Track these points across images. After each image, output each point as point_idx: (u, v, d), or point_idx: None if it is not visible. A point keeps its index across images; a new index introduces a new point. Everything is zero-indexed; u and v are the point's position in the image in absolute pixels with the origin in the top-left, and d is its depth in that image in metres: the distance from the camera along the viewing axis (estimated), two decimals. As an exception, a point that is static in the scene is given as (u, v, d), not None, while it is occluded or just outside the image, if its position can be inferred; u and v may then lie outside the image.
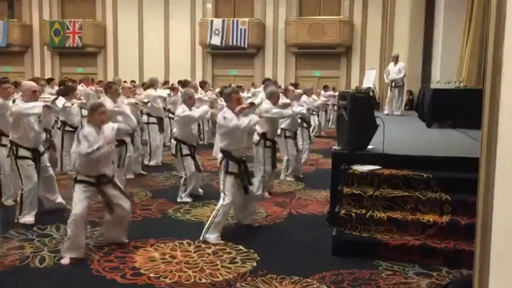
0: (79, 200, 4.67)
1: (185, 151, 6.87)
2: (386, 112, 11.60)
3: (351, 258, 4.69)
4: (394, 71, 11.59)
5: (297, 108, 8.00)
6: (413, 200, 5.07)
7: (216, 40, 20.68)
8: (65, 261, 4.59)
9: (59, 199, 6.21)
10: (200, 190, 7.28)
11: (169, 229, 5.65)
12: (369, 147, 5.86)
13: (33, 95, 5.68)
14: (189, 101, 6.86)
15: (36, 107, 5.55)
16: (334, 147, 6.33)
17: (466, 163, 5.10)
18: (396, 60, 11.76)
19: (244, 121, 5.36)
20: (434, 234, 4.80)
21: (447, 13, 11.70)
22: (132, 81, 14.86)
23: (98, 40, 22.43)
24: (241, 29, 20.51)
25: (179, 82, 13.51)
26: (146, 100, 8.89)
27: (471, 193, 4.65)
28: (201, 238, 5.21)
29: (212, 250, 4.95)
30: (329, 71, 20.97)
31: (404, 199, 5.09)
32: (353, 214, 5.02)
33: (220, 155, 5.44)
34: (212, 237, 5.20)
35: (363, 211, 5.07)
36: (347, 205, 5.20)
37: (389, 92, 11.96)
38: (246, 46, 20.69)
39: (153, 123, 9.44)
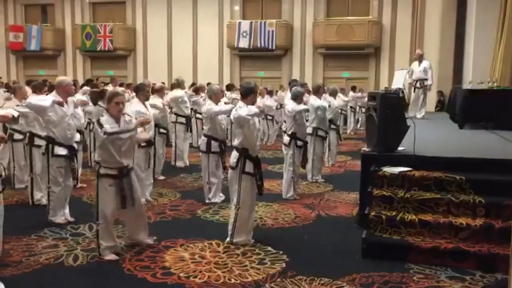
0: (107, 199, 4.68)
1: (215, 148, 6.86)
2: (412, 114, 10.27)
3: (382, 261, 4.64)
4: (418, 70, 10.95)
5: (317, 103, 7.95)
6: (445, 203, 4.97)
7: (244, 43, 20.76)
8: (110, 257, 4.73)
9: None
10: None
11: (198, 230, 5.71)
12: (400, 148, 5.79)
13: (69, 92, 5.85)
14: (215, 97, 6.94)
15: (46, 100, 5.65)
16: (364, 148, 6.27)
17: (500, 165, 4.99)
18: (420, 58, 11.08)
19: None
20: (467, 237, 4.70)
21: (479, 11, 11.44)
22: (162, 83, 14.98)
23: (128, 43, 22.83)
24: (268, 31, 20.53)
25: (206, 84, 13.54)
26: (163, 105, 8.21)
27: (505, 196, 4.59)
28: (228, 243, 5.17)
29: (241, 251, 4.97)
30: (358, 72, 20.79)
31: (436, 202, 5.00)
32: (383, 216, 4.97)
33: (235, 154, 5.18)
34: (241, 239, 5.17)
35: (394, 213, 5.01)
36: (377, 207, 5.14)
37: (412, 93, 11.27)
38: (273, 47, 20.70)
39: (181, 123, 9.57)
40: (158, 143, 7.80)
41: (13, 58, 24.42)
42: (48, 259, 4.73)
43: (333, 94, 10.02)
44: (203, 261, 4.72)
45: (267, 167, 9.59)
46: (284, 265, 4.63)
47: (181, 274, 4.38)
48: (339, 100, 11.41)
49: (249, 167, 5.12)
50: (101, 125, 4.58)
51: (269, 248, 5.04)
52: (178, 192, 7.60)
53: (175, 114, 9.60)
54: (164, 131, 8.07)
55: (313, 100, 8.03)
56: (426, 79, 10.86)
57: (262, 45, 20.61)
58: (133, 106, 6.45)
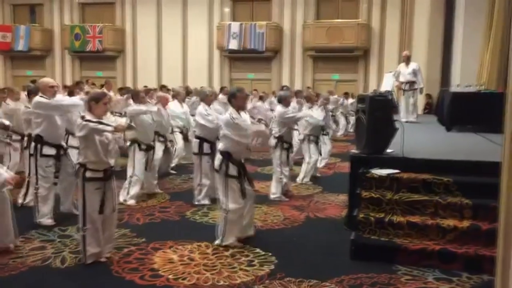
0: (95, 203, 4.56)
1: (207, 149, 6.89)
2: (403, 119, 10.02)
3: (370, 262, 4.66)
4: (407, 72, 10.48)
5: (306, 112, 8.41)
6: (433, 205, 5.02)
7: (233, 44, 20.78)
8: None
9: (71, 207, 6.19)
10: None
11: (187, 232, 5.69)
12: (388, 150, 5.83)
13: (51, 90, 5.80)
14: (207, 100, 6.99)
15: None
16: (353, 150, 6.30)
17: (487, 167, 5.04)
18: (407, 60, 10.61)
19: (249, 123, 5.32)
20: (454, 239, 4.74)
21: (467, 16, 11.56)
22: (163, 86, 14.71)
23: (117, 44, 22.73)
24: (258, 33, 20.57)
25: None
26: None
27: (492, 198, 4.61)
28: (217, 245, 5.15)
29: (230, 253, 4.97)
30: (347, 75, 20.91)
31: (424, 203, 5.04)
32: (372, 218, 5.00)
33: (218, 157, 5.21)
34: (232, 241, 5.16)
35: (382, 215, 5.04)
36: (366, 209, 5.17)
37: (402, 96, 10.74)
38: (263, 49, 20.74)
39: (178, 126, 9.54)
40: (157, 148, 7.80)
41: (0, 58, 24.19)
42: (35, 261, 4.69)
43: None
44: (192, 263, 4.71)
45: (256, 169, 9.60)
46: (273, 266, 4.63)
47: (169, 276, 4.37)
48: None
49: (232, 170, 5.11)
50: (83, 117, 4.51)
51: (258, 250, 5.05)
52: (167, 194, 7.57)
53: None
54: (162, 139, 8.09)
55: (308, 112, 8.35)
56: (415, 82, 10.47)
57: (252, 47, 20.65)
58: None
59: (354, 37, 19.85)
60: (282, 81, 20.85)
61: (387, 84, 11.34)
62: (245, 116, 5.32)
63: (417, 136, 7.81)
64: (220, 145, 5.32)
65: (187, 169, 9.48)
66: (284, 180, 7.33)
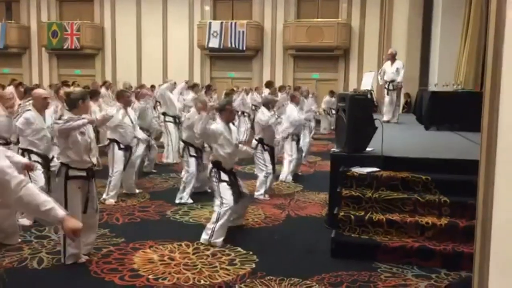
0: (77, 202, 4.50)
1: (193, 152, 7.00)
2: (385, 118, 9.79)
3: (350, 260, 4.70)
4: (391, 71, 10.02)
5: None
6: (411, 202, 5.08)
7: (214, 43, 20.71)
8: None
9: None
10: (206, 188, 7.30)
11: (168, 231, 5.65)
12: (368, 149, 5.88)
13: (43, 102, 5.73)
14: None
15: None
16: (333, 149, 6.34)
17: (465, 165, 5.12)
18: (392, 58, 10.13)
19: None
20: (432, 236, 4.81)
21: (444, 16, 11.74)
22: (152, 86, 14.60)
23: (96, 42, 22.42)
24: (239, 32, 20.54)
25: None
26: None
27: (469, 195, 4.69)
28: (204, 241, 5.19)
29: (210, 252, 4.95)
30: (327, 74, 21.03)
31: (403, 201, 5.10)
32: (352, 216, 5.03)
33: (210, 166, 5.50)
34: (219, 241, 5.16)
35: (362, 213, 5.08)
36: (346, 207, 5.21)
37: (386, 96, 10.34)
38: (244, 48, 20.72)
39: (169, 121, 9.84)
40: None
41: (-25, 55, 23.67)
42: (12, 263, 4.60)
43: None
44: (172, 262, 4.67)
45: (237, 168, 9.56)
46: (254, 265, 4.63)
47: (149, 276, 4.33)
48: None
49: (224, 176, 5.38)
50: (67, 121, 4.48)
51: (239, 249, 5.04)
52: (147, 193, 7.50)
53: (163, 114, 9.92)
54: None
55: (289, 111, 8.47)
56: (399, 81, 10.07)
57: (233, 45, 20.60)
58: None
59: (334, 36, 19.97)
60: (263, 80, 20.82)
61: (367, 83, 11.42)
62: (233, 128, 5.67)
63: (397, 134, 7.90)
64: (210, 156, 5.62)
65: (167, 168, 9.43)
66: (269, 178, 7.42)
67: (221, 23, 20.72)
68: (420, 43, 13.76)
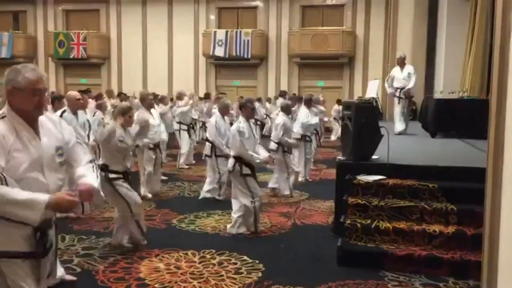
0: (132, 195, 5.11)
1: (219, 152, 7.46)
2: (398, 130, 9.38)
3: (357, 269, 4.67)
4: (401, 77, 9.36)
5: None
6: (418, 210, 5.05)
7: (219, 51, 20.80)
8: None
9: None
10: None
11: (174, 240, 5.65)
12: (374, 157, 5.86)
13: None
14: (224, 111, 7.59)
15: None
16: (339, 157, 6.33)
17: (472, 173, 5.09)
18: (402, 62, 9.47)
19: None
20: (440, 245, 4.77)
21: (449, 23, 11.75)
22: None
23: (102, 51, 22.58)
24: (244, 40, 20.63)
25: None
26: None
27: (477, 203, 4.67)
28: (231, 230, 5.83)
29: (217, 261, 4.94)
30: (332, 82, 21.05)
31: (410, 209, 5.07)
32: (358, 225, 5.01)
33: (231, 161, 5.88)
34: (243, 230, 5.83)
35: (368, 221, 5.06)
36: (352, 215, 5.19)
37: (396, 104, 9.63)
38: (249, 56, 20.80)
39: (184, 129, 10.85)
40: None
41: (-18, 65, 23.88)
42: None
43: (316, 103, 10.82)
44: (178, 271, 4.66)
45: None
46: (260, 274, 4.61)
47: (156, 285, 4.32)
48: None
49: (246, 169, 5.78)
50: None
51: (245, 258, 5.02)
52: (153, 202, 7.51)
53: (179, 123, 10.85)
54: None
55: (302, 116, 8.96)
56: (411, 88, 9.45)
57: (238, 54, 20.69)
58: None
59: (339, 44, 20.01)
60: (268, 88, 20.92)
61: (372, 90, 11.40)
62: (252, 126, 6.11)
63: (402, 142, 7.88)
64: (231, 151, 5.99)
65: (173, 177, 9.45)
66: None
67: (226, 32, 20.83)
68: (425, 50, 13.78)
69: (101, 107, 8.91)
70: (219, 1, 21.86)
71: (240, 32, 20.73)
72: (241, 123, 5.86)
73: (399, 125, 9.48)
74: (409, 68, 9.46)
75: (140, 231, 5.27)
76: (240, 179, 5.80)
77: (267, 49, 21.40)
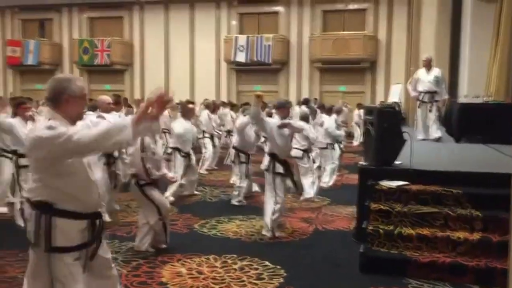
0: (162, 199, 5.38)
1: (242, 159, 7.88)
2: (420, 137, 8.97)
3: (379, 275, 4.62)
4: (427, 80, 8.85)
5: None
6: (442, 217, 4.97)
7: (241, 57, 20.90)
8: None
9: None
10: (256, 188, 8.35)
11: (196, 244, 5.68)
12: (397, 162, 5.80)
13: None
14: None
15: None
16: (361, 162, 6.29)
17: (497, 179, 5.00)
18: (429, 65, 8.94)
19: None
20: (465, 252, 4.69)
21: (474, 26, 11.55)
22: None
23: (125, 58, 22.92)
24: (265, 45, 20.69)
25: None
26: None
27: (502, 209, 4.60)
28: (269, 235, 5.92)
29: (238, 266, 4.95)
30: (354, 86, 20.92)
31: (433, 216, 5.00)
32: (381, 231, 4.96)
33: (266, 158, 6.13)
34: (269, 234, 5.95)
35: (391, 228, 5.00)
36: (375, 221, 5.14)
37: (418, 109, 9.18)
38: (270, 62, 20.84)
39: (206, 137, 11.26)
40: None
41: (10, 72, 24.49)
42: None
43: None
44: (200, 276, 4.69)
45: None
46: (282, 280, 4.60)
47: (178, 290, 4.35)
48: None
49: (279, 168, 5.96)
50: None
51: (267, 263, 5.02)
52: (176, 206, 7.57)
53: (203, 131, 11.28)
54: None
55: (328, 125, 9.21)
56: (436, 92, 8.87)
57: (259, 59, 20.75)
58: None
59: (360, 48, 19.90)
60: (289, 93, 20.91)
61: (395, 95, 11.30)
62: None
63: (426, 147, 7.78)
64: (266, 148, 6.32)
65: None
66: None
67: (248, 37, 20.92)
68: (449, 54, 13.58)
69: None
70: (240, 7, 21.99)
71: (261, 37, 20.80)
72: (274, 119, 6.23)
73: (420, 132, 9.10)
74: (436, 71, 8.93)
75: (165, 234, 5.39)
76: (270, 178, 5.98)
77: (288, 54, 21.41)
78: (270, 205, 5.98)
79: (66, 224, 2.66)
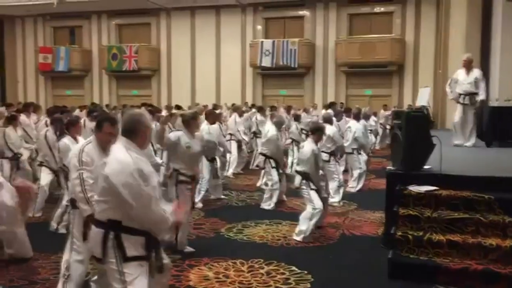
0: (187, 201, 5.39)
1: (273, 164, 8.00)
2: (456, 142, 8.53)
3: (409, 282, 4.56)
4: (467, 81, 8.32)
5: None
6: (473, 223, 4.87)
7: (266, 61, 20.92)
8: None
9: None
10: (283, 196, 8.27)
11: (222, 248, 5.70)
12: (426, 167, 5.71)
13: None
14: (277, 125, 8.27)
15: None
16: (389, 167, 6.21)
17: (531, 184, 4.87)
18: (469, 65, 8.36)
19: None
20: (497, 259, 4.58)
21: (505, 29, 11.29)
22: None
23: (152, 63, 23.22)
24: (291, 49, 20.65)
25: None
26: None
27: (537, 216, 4.48)
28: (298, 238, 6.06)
29: (265, 271, 4.95)
30: (381, 90, 20.66)
31: (464, 222, 4.90)
32: (410, 236, 4.88)
33: (299, 177, 6.55)
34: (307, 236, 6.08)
35: (421, 233, 4.92)
36: (403, 226, 5.06)
37: (457, 113, 8.56)
38: (296, 66, 20.78)
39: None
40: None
41: (42, 78, 25.09)
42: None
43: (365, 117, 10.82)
44: (227, 280, 4.70)
45: (290, 186, 9.55)
46: (309, 285, 4.58)
47: (205, 293, 4.37)
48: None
49: (313, 185, 6.24)
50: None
51: (294, 268, 5.00)
52: (202, 211, 7.62)
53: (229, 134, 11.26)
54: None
55: (357, 131, 9.17)
56: (477, 94, 8.32)
57: (285, 63, 20.71)
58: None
59: (387, 52, 19.64)
60: (315, 97, 20.81)
61: (423, 98, 11.10)
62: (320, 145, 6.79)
63: (456, 151, 7.64)
64: (299, 168, 6.45)
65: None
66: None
67: (273, 41, 20.93)
68: (479, 57, 13.30)
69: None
70: (265, 12, 22.03)
71: (287, 41, 20.78)
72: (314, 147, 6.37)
73: (457, 137, 8.60)
74: (476, 72, 8.39)
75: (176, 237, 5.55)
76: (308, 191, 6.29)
77: (314, 58, 21.32)
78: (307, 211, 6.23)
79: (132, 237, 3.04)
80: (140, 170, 2.92)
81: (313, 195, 6.22)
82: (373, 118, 13.32)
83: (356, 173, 9.35)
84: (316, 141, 6.46)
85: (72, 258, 4.09)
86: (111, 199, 2.96)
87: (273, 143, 8.06)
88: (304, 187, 6.33)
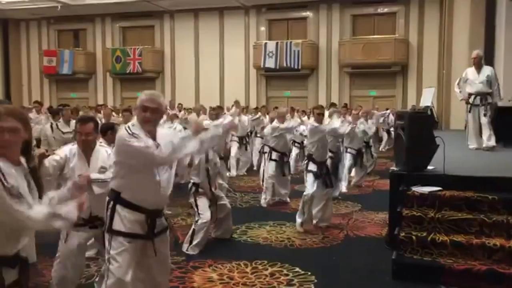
0: (207, 209, 5.73)
1: (274, 156, 8.15)
2: (472, 146, 8.07)
3: (413, 283, 4.55)
4: (478, 80, 7.73)
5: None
6: (477, 223, 4.86)
7: (270, 63, 20.92)
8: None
9: None
10: (287, 198, 8.39)
11: (226, 250, 5.71)
12: (429, 167, 5.70)
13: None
14: (280, 119, 8.35)
15: None
16: (392, 167, 6.21)
17: (535, 184, 4.86)
18: (479, 63, 7.75)
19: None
20: (501, 259, 4.57)
21: (508, 29, 11.28)
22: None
23: (156, 66, 23.28)
24: (294, 51, 20.65)
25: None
26: None
27: (541, 216, 4.46)
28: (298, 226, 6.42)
29: (269, 272, 4.95)
30: (385, 91, 20.64)
31: (468, 222, 4.89)
32: (414, 237, 4.88)
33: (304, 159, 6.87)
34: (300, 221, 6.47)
35: (424, 234, 4.92)
36: (407, 227, 5.06)
37: (468, 114, 8.01)
38: (299, 67, 20.78)
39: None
40: None
41: (46, 81, 25.20)
42: (79, 279, 4.79)
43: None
44: (231, 282, 4.71)
45: (293, 187, 9.56)
46: (312, 286, 4.59)
47: (209, 295, 4.38)
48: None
49: (312, 167, 6.42)
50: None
51: (297, 269, 5.01)
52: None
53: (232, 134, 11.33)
54: None
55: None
56: (489, 94, 7.73)
57: (288, 65, 20.72)
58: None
59: (391, 52, 19.62)
60: (319, 98, 20.80)
61: (427, 99, 11.08)
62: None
63: (459, 152, 7.62)
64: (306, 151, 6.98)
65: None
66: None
67: (277, 43, 20.94)
68: (483, 57, 13.27)
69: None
70: (269, 13, 22.05)
71: (291, 43, 20.79)
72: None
73: (472, 140, 8.11)
74: (487, 70, 7.76)
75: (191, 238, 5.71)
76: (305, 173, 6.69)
77: (318, 59, 21.32)
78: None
79: (125, 213, 3.12)
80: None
81: (309, 177, 6.45)
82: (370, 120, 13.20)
83: (357, 170, 9.76)
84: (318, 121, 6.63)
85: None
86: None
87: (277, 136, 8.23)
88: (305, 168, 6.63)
